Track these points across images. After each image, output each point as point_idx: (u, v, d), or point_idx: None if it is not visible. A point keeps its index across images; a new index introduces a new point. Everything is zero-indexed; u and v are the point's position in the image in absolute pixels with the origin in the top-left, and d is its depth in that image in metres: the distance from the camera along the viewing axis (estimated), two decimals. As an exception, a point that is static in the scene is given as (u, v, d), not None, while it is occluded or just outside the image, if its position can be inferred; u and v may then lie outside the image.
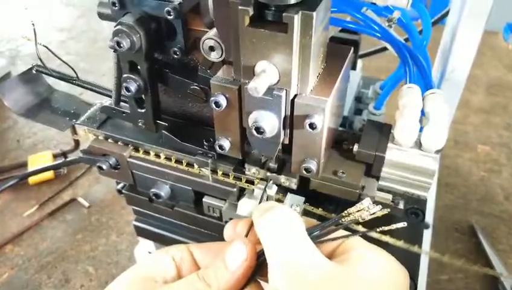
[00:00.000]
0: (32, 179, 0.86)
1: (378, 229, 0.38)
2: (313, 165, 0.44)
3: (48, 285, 0.70)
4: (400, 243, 0.50)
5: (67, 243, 0.76)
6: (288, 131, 0.43)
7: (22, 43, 1.30)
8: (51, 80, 0.69)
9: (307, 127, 0.41)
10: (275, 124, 0.41)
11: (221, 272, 0.34)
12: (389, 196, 0.49)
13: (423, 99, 0.48)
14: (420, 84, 0.52)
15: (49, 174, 0.87)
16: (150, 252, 0.67)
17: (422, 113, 0.47)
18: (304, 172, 0.45)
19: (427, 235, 0.71)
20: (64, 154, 0.89)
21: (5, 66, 1.19)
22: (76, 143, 0.90)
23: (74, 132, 0.89)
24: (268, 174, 0.50)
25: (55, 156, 0.89)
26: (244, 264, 0.34)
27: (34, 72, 0.63)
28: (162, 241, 0.63)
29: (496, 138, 0.91)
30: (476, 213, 0.76)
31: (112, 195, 0.84)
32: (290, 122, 0.43)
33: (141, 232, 0.64)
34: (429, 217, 0.74)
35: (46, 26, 1.37)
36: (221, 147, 0.47)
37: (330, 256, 0.35)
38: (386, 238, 0.49)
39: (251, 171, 0.50)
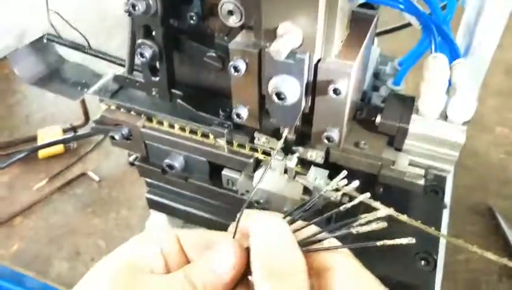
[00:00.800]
0: (41, 153, 0.85)
1: (378, 243, 0.34)
2: (335, 134, 0.43)
3: (58, 257, 0.69)
4: (417, 223, 0.49)
5: (77, 217, 0.75)
6: (310, 98, 0.42)
7: (29, 22, 1.28)
8: (61, 51, 0.68)
9: (331, 93, 0.39)
10: (297, 89, 0.40)
11: (208, 275, 0.31)
12: (422, 171, 0.47)
13: (450, 69, 0.46)
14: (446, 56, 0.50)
15: (59, 149, 0.85)
16: (162, 225, 0.66)
17: (449, 84, 0.45)
18: (326, 141, 0.43)
19: (445, 215, 0.69)
20: (74, 128, 0.87)
21: (13, 44, 1.18)
22: (86, 118, 0.88)
23: (84, 106, 0.88)
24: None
25: (64, 131, 0.88)
26: (232, 270, 0.31)
27: (45, 41, 0.62)
28: (175, 214, 0.62)
29: (515, 119, 0.89)
30: (495, 195, 0.74)
31: (123, 170, 0.83)
32: (313, 89, 0.41)
33: (153, 205, 0.62)
34: (446, 198, 0.72)
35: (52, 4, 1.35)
36: (238, 115, 0.45)
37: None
38: (403, 218, 0.48)
39: (261, 140, 0.49)
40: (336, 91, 0.39)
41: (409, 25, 0.60)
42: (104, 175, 0.82)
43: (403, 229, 0.56)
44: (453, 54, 0.51)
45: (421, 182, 0.51)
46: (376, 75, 0.70)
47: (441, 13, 0.54)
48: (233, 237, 0.34)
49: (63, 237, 0.72)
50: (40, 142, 0.85)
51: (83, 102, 0.87)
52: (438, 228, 0.56)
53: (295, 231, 0.32)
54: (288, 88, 0.39)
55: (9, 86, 1.04)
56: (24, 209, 0.76)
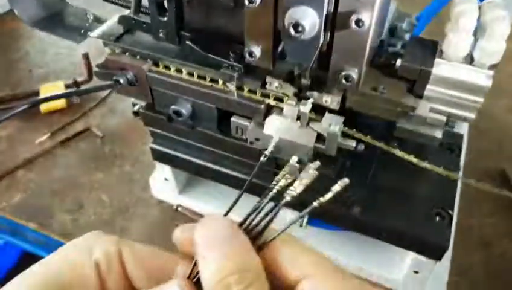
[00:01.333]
0: (44, 107, 0.82)
1: (316, 203, 0.29)
2: (353, 74, 0.40)
3: (60, 209, 0.68)
4: (439, 170, 0.47)
5: (80, 171, 0.73)
6: (329, 34, 0.39)
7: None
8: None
9: (353, 24, 0.36)
10: (316, 21, 0.37)
11: None
12: (443, 118, 0.45)
13: (479, 9, 0.43)
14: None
15: (62, 103, 0.83)
16: (166, 179, 0.64)
17: (477, 24, 0.42)
18: (344, 81, 0.41)
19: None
20: (77, 83, 0.85)
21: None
22: (90, 74, 0.86)
23: (88, 62, 0.86)
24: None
25: (67, 86, 0.86)
26: None
27: (47, -19, 0.59)
28: (180, 166, 0.60)
29: (534, 85, 0.86)
30: (510, 159, 0.72)
31: (126, 126, 0.81)
32: (332, 23, 0.38)
33: (158, 156, 0.60)
34: (461, 161, 0.70)
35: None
36: (251, 54, 0.42)
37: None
38: (424, 164, 0.46)
39: (273, 85, 0.46)
40: (358, 22, 0.36)
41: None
42: (107, 131, 0.80)
43: (418, 185, 0.54)
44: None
45: (439, 135, 0.49)
46: (392, 31, 0.67)
47: None
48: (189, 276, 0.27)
49: (66, 190, 0.71)
50: (42, 96, 0.83)
51: (87, 57, 0.85)
52: (454, 186, 0.54)
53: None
54: (307, 19, 0.36)
55: (11, 41, 1.01)
56: (26, 163, 0.74)
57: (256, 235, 0.27)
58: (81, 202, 0.69)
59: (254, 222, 0.28)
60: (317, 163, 0.29)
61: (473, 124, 0.77)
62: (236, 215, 0.28)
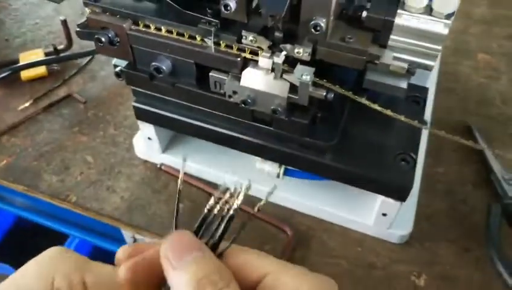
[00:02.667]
0: (24, 75, 0.83)
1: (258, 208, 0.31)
2: (322, 23, 0.43)
3: (47, 171, 0.70)
4: (401, 118, 0.50)
5: (64, 135, 0.75)
6: (298, -16, 0.42)
7: None
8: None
9: (319, -25, 0.39)
10: (286, -28, 0.40)
11: None
12: (405, 65, 0.48)
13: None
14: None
15: (42, 71, 0.84)
16: (149, 138, 0.67)
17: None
18: (313, 30, 0.44)
19: (426, 133, 0.72)
20: (56, 50, 0.86)
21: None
22: (69, 42, 0.86)
23: (67, 30, 0.86)
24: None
25: (46, 54, 0.87)
26: None
27: None
28: (163, 123, 0.63)
29: (496, 48, 0.91)
30: (474, 115, 0.77)
31: (108, 92, 0.82)
32: (301, -26, 0.41)
33: (141, 115, 0.63)
34: (428, 116, 0.75)
35: None
36: (226, 7, 0.45)
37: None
38: (387, 112, 0.50)
39: (248, 38, 0.49)
40: (324, -28, 0.39)
41: None
42: (89, 97, 0.82)
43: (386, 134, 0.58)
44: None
45: (404, 85, 0.53)
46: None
47: None
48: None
49: (51, 153, 0.73)
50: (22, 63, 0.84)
51: (65, 25, 0.85)
52: (419, 134, 0.58)
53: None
54: (278, -30, 0.39)
55: (-14, 12, 1.01)
56: (10, 128, 0.76)
57: (212, 246, 0.30)
58: (67, 164, 0.71)
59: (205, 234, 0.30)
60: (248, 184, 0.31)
61: (439, 83, 0.81)
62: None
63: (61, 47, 0.87)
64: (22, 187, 0.69)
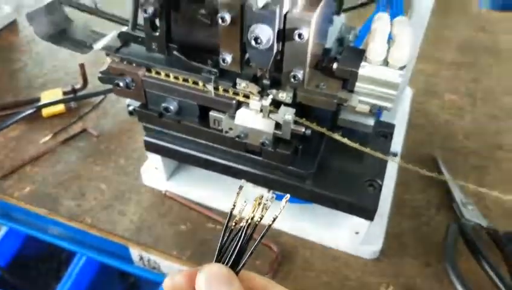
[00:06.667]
0: (45, 112, 0.94)
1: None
2: (299, 74, 0.54)
3: (65, 197, 0.79)
4: (365, 150, 0.61)
5: (80, 165, 0.85)
6: (280, 44, 0.53)
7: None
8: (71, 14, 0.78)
9: (296, 37, 0.51)
10: (270, 35, 0.51)
11: None
12: (367, 107, 0.59)
13: (391, 25, 0.58)
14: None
15: (61, 108, 0.95)
16: (156, 168, 0.77)
17: (390, 37, 0.57)
18: (292, 80, 0.55)
19: (396, 163, 0.82)
20: (74, 90, 0.97)
21: (11, 13, 1.26)
22: (85, 82, 0.98)
23: (83, 71, 0.98)
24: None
25: (65, 93, 0.98)
26: None
27: (57, 4, 0.72)
28: (169, 154, 0.73)
29: (463, 89, 1.02)
30: (439, 148, 0.87)
31: (119, 127, 0.93)
32: (283, 36, 0.52)
33: (151, 147, 0.73)
34: (398, 149, 0.85)
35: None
36: (224, 60, 0.56)
37: None
38: (355, 145, 0.61)
39: (241, 85, 0.60)
40: (300, 36, 0.50)
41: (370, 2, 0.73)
42: (102, 131, 0.92)
43: (357, 164, 0.68)
44: (397, 14, 0.64)
45: (371, 122, 0.64)
46: (340, 41, 0.82)
47: None
48: None
49: (69, 181, 0.83)
50: (43, 102, 0.95)
51: (82, 67, 0.97)
52: (385, 164, 0.69)
53: None
54: (264, 34, 0.50)
55: (10, 54, 1.13)
56: (32, 159, 0.86)
57: (232, 265, 0.34)
58: (83, 191, 0.81)
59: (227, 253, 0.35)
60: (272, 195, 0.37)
61: (409, 120, 0.93)
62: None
63: (77, 86, 0.99)
64: (44, 211, 0.79)
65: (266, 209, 0.35)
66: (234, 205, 0.37)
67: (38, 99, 0.98)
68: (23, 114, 0.90)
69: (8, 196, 0.81)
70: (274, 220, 0.35)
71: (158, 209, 0.79)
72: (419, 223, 0.75)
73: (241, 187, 0.38)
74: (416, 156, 0.85)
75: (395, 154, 0.83)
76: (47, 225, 0.87)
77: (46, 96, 0.97)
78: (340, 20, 0.79)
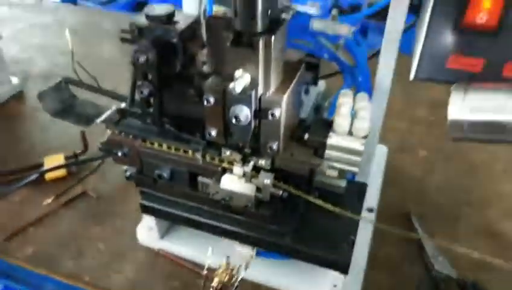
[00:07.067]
0: (48, 176, 1.01)
1: None
2: (275, 145, 0.63)
3: (66, 256, 0.85)
4: (336, 209, 0.68)
5: (80, 226, 0.91)
6: (257, 121, 0.62)
7: (31, 65, 1.48)
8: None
9: (270, 116, 0.59)
10: (248, 114, 0.60)
11: None
12: (335, 172, 0.67)
13: (354, 100, 0.67)
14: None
15: (63, 172, 1.02)
16: (151, 228, 0.84)
17: (353, 110, 0.66)
18: (269, 151, 0.63)
19: (372, 217, 0.89)
20: (75, 155, 1.05)
21: (18, 85, 1.37)
22: (85, 147, 1.06)
23: (84, 138, 1.07)
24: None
25: (66, 158, 1.05)
26: None
27: (63, 84, 0.81)
28: (163, 216, 0.80)
29: (434, 145, 1.11)
30: (413, 203, 0.94)
31: (116, 190, 1.00)
32: (259, 115, 0.61)
33: (146, 210, 0.80)
34: (374, 204, 0.92)
35: (50, 49, 1.55)
36: (209, 134, 0.65)
37: None
38: (327, 206, 0.68)
39: (226, 153, 0.68)
40: (273, 115, 0.59)
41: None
42: (101, 194, 0.99)
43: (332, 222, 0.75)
44: (361, 90, 0.73)
45: (343, 184, 0.72)
46: (317, 108, 0.91)
47: (362, 60, 0.77)
48: None
49: (69, 241, 0.89)
50: (46, 167, 1.02)
51: (83, 134, 1.06)
52: (357, 222, 0.75)
53: None
54: (242, 113, 0.59)
55: (16, 123, 1.22)
56: (36, 221, 0.92)
57: None
58: (82, 250, 0.87)
59: None
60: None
61: (385, 176, 1.00)
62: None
63: (78, 152, 1.07)
64: (44, 271, 0.84)
65: (234, 276, 0.40)
66: (207, 269, 0.42)
67: (41, 164, 1.05)
68: (28, 179, 0.98)
69: (12, 257, 0.87)
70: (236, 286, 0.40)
71: (152, 267, 0.84)
72: (394, 274, 0.81)
73: (227, 257, 0.44)
74: (391, 211, 0.92)
75: (371, 210, 0.90)
76: (45, 283, 0.92)
77: (49, 161, 1.05)
78: (316, 89, 0.89)
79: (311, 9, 0.73)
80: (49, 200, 0.97)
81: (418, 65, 0.52)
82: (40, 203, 0.97)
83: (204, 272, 0.41)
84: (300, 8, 0.73)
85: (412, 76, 0.53)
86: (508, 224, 0.93)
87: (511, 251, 0.87)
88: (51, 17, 1.77)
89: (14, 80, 1.33)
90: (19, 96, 1.32)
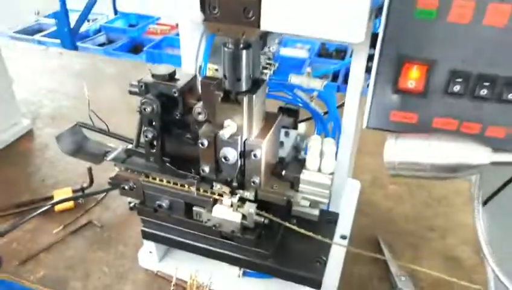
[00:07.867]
0: (57, 207, 1.13)
1: None
2: (257, 180, 0.76)
3: (73, 278, 0.96)
4: (310, 233, 0.81)
5: (86, 251, 1.03)
6: (242, 160, 0.75)
7: (40, 106, 1.62)
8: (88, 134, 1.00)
9: (252, 156, 0.73)
10: (235, 155, 0.73)
11: None
12: (307, 203, 0.81)
13: (322, 144, 0.81)
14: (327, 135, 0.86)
15: (70, 204, 1.14)
16: (150, 252, 0.96)
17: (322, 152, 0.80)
18: (252, 184, 0.76)
19: (345, 243, 1.02)
20: (82, 189, 1.17)
21: (28, 125, 1.50)
22: (91, 181, 1.19)
23: (90, 173, 1.19)
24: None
25: (74, 191, 1.18)
26: None
27: (77, 127, 0.95)
28: (162, 241, 0.92)
29: (403, 180, 1.25)
30: (382, 230, 1.07)
31: (119, 219, 1.12)
32: (243, 155, 0.75)
33: (147, 236, 0.92)
34: (347, 231, 1.05)
35: (56, 93, 1.69)
36: (203, 170, 0.78)
37: None
38: (301, 230, 0.81)
39: (217, 187, 0.81)
40: (255, 155, 0.73)
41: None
42: (105, 223, 1.11)
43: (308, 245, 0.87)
44: (333, 132, 0.87)
45: (316, 213, 0.85)
46: (296, 148, 1.05)
47: (333, 108, 0.91)
48: None
49: (76, 265, 1.00)
50: (56, 200, 1.14)
51: (90, 171, 1.18)
52: (329, 244, 0.88)
53: None
54: (230, 154, 0.73)
55: (27, 159, 1.35)
56: (46, 248, 1.04)
57: None
58: (88, 273, 0.98)
59: None
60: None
61: (358, 208, 1.13)
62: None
63: (85, 185, 1.19)
64: (54, 291, 0.95)
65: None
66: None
67: (51, 197, 1.17)
68: (40, 211, 1.09)
69: (25, 280, 0.98)
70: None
71: (151, 287, 0.96)
72: (363, 292, 0.93)
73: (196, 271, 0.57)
74: (363, 237, 1.05)
75: (344, 237, 1.03)
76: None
77: (58, 194, 1.17)
78: (295, 132, 1.03)
79: (300, 52, 0.88)
80: (59, 229, 1.09)
81: (368, 117, 0.66)
82: (50, 231, 1.08)
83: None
84: (291, 52, 0.87)
85: (364, 125, 0.67)
86: (465, 249, 1.06)
87: (465, 272, 0.99)
88: (57, 62, 1.92)
89: (25, 121, 1.47)
90: (28, 134, 1.45)
